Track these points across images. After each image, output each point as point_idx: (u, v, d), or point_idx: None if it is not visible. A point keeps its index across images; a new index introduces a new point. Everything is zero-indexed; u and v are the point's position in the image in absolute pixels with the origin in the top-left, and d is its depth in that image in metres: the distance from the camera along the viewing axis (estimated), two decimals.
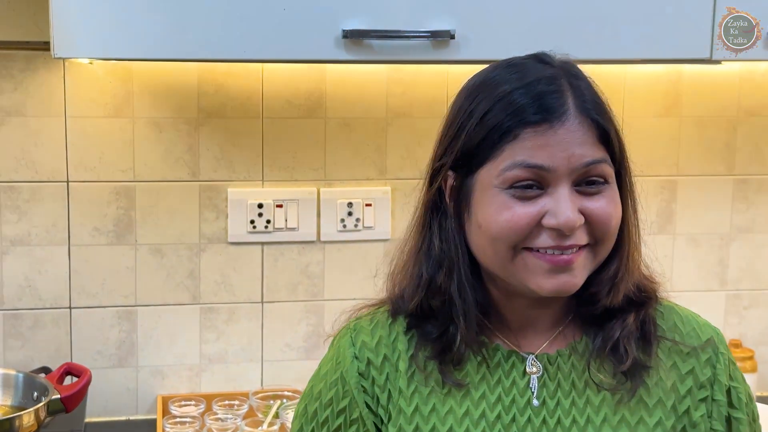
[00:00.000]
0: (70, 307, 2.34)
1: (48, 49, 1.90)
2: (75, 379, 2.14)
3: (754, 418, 1.44)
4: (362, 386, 1.39)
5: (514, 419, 1.35)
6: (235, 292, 2.40)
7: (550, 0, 2.01)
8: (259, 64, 2.32)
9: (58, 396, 2.04)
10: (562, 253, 1.29)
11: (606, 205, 1.31)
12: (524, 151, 1.28)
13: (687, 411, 1.37)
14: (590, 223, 1.30)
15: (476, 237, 1.33)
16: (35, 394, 2.09)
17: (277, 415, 2.26)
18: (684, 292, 2.54)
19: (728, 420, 1.40)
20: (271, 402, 2.32)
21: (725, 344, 1.43)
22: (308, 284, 2.43)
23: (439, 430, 1.35)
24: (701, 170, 2.55)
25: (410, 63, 2.28)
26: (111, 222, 2.33)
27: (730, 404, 1.40)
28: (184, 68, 2.30)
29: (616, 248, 1.36)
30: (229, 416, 2.29)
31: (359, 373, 1.39)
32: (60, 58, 1.90)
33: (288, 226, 2.39)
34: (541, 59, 1.35)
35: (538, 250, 1.30)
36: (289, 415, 2.23)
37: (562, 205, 1.28)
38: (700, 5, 2.05)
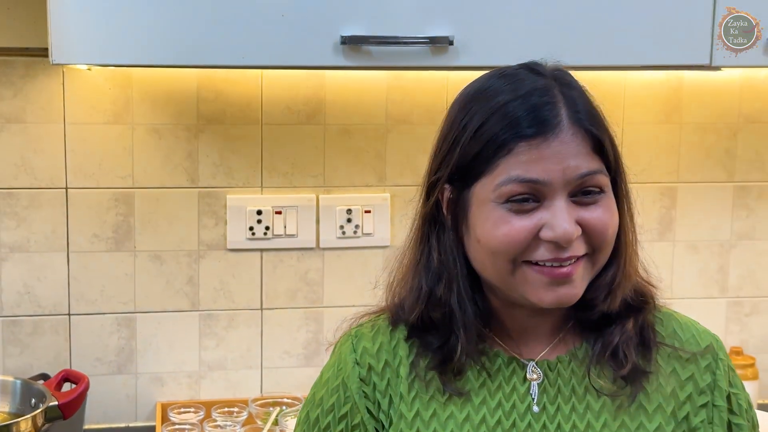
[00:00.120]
0: (69, 314, 2.34)
1: (47, 56, 1.90)
2: (73, 385, 2.13)
3: (753, 425, 1.44)
4: (363, 392, 1.39)
5: (514, 424, 1.36)
6: (234, 299, 2.40)
7: (548, 6, 2.00)
8: (259, 71, 2.32)
9: (56, 402, 2.04)
10: (561, 266, 1.30)
11: (602, 214, 1.31)
12: (519, 165, 1.28)
13: (686, 417, 1.38)
14: (587, 233, 1.31)
15: (475, 251, 1.34)
16: (33, 400, 2.09)
17: (276, 422, 2.25)
18: (684, 299, 2.53)
19: (729, 426, 1.40)
20: (271, 409, 2.31)
21: (724, 351, 1.43)
22: (307, 291, 2.42)
23: None
24: (701, 177, 2.54)
25: (409, 69, 2.28)
26: (110, 228, 2.32)
27: (731, 410, 1.40)
28: (184, 75, 2.30)
29: (613, 254, 1.36)
30: (229, 423, 2.29)
31: (360, 379, 1.40)
32: (58, 64, 1.90)
33: (287, 233, 2.39)
34: (533, 69, 1.35)
35: (537, 264, 1.30)
36: (289, 422, 2.23)
37: (559, 218, 1.28)
38: (699, 7, 2.05)
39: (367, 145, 2.40)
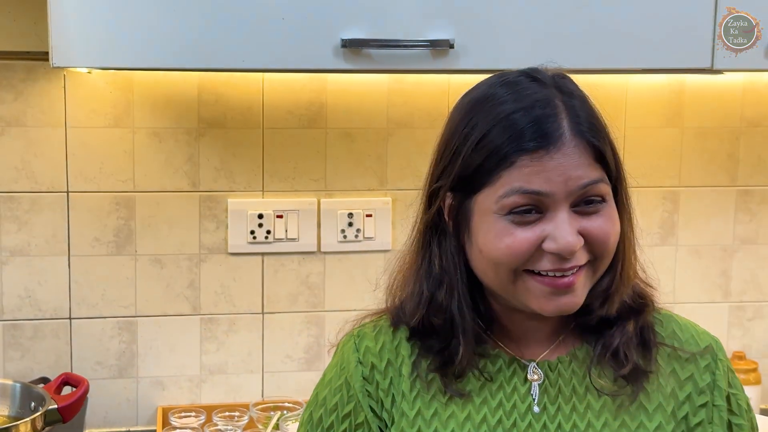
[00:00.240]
0: (70, 318, 2.34)
1: (48, 60, 1.89)
2: (73, 389, 2.13)
3: (753, 427, 1.44)
4: (367, 390, 1.40)
5: (515, 424, 1.36)
6: (235, 303, 2.40)
7: (548, 10, 2.00)
8: (260, 75, 2.32)
9: (56, 406, 2.04)
10: (563, 275, 1.30)
11: (604, 223, 1.31)
12: (521, 177, 1.28)
13: (686, 417, 1.38)
14: (589, 242, 1.31)
15: (477, 260, 1.35)
16: (32, 404, 2.09)
17: (277, 427, 2.25)
18: (687, 304, 2.53)
19: (729, 426, 1.40)
20: (272, 413, 2.31)
21: (724, 352, 1.44)
22: (309, 295, 2.42)
23: None
24: (704, 181, 2.54)
25: (409, 72, 2.28)
26: (111, 232, 2.32)
27: (731, 411, 1.41)
28: (185, 78, 2.30)
29: (611, 260, 1.36)
30: (230, 427, 2.28)
31: (363, 378, 1.41)
32: (58, 67, 1.90)
33: (288, 237, 2.39)
34: (534, 77, 1.35)
35: (539, 273, 1.31)
36: (290, 427, 2.22)
37: (562, 230, 1.28)
38: (700, 9, 2.04)
39: (368, 148, 2.39)
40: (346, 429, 1.40)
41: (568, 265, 1.30)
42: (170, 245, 2.35)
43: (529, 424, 1.36)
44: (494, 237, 1.30)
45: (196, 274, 2.37)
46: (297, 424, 2.20)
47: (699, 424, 1.38)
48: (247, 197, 2.36)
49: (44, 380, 2.20)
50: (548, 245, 1.29)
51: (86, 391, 2.10)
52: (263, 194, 2.37)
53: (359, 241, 2.41)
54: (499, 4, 1.98)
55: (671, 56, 2.06)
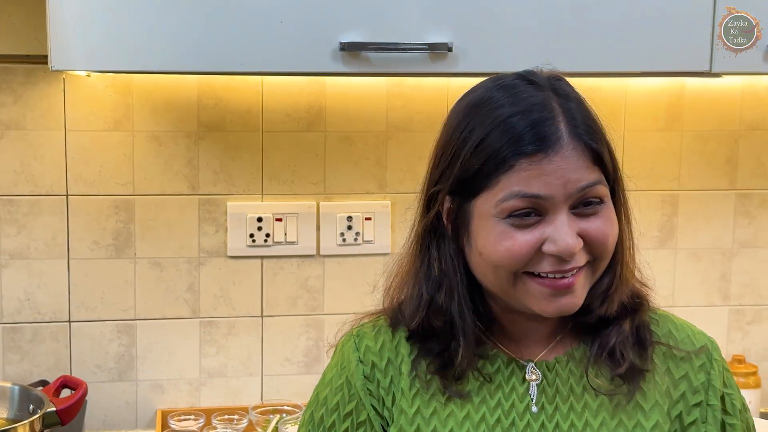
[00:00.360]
0: (69, 321, 2.34)
1: (47, 63, 1.90)
2: (72, 391, 2.13)
3: (748, 427, 1.44)
4: (368, 389, 1.41)
5: (513, 423, 1.37)
6: (234, 306, 2.40)
7: (546, 13, 2.00)
8: (259, 78, 2.32)
9: (54, 408, 2.04)
10: (563, 277, 1.31)
11: (602, 224, 1.32)
12: (520, 181, 1.29)
13: (679, 415, 1.39)
14: (588, 243, 1.32)
15: (476, 262, 1.35)
16: (31, 406, 2.09)
17: (276, 430, 2.25)
18: (686, 307, 2.53)
19: (723, 426, 1.40)
20: (271, 416, 2.31)
21: (719, 352, 1.44)
22: (308, 298, 2.42)
23: None
24: (703, 184, 2.54)
25: (407, 75, 2.28)
26: (110, 235, 2.33)
27: (725, 410, 1.41)
28: (184, 82, 2.30)
29: (610, 261, 1.37)
30: (229, 430, 2.28)
31: (365, 377, 1.41)
32: (57, 70, 1.90)
33: (287, 240, 2.39)
34: (530, 80, 1.35)
35: (539, 275, 1.32)
36: (289, 430, 2.22)
37: (561, 232, 1.29)
38: (699, 10, 2.05)
39: (367, 152, 2.40)
40: (348, 428, 1.41)
41: (568, 267, 1.30)
42: (169, 248, 2.35)
43: (528, 424, 1.37)
44: (494, 240, 1.31)
45: (196, 278, 2.37)
46: (296, 427, 2.20)
47: (693, 422, 1.39)
48: (246, 200, 2.37)
49: (43, 383, 2.21)
50: (548, 247, 1.29)
51: (85, 394, 2.10)
52: (262, 197, 2.37)
53: (358, 244, 2.42)
54: (496, 7, 1.99)
55: (669, 59, 2.06)
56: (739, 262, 2.59)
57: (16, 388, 2.16)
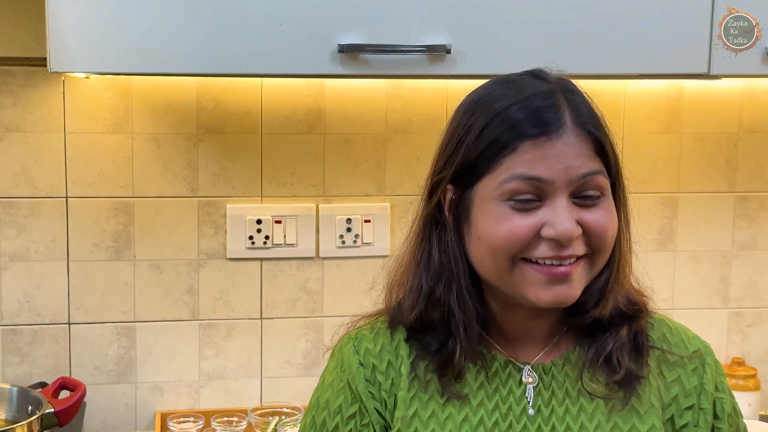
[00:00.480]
0: (68, 323, 2.34)
1: (47, 66, 1.90)
2: (70, 393, 2.13)
3: (738, 431, 1.44)
4: (370, 392, 1.41)
5: (510, 426, 1.38)
6: (234, 308, 2.40)
7: (544, 15, 2.01)
8: (258, 80, 2.32)
9: (52, 410, 2.04)
10: (560, 264, 1.31)
11: (602, 216, 1.33)
12: (523, 163, 1.30)
13: (671, 419, 1.39)
14: (587, 234, 1.32)
15: (475, 249, 1.35)
16: (29, 407, 2.09)
17: None
18: (685, 310, 2.52)
19: (712, 430, 1.41)
20: (270, 419, 2.31)
21: (713, 356, 1.45)
22: (307, 300, 2.42)
23: None
24: (702, 187, 2.54)
25: (406, 77, 2.28)
26: (110, 238, 2.33)
27: (714, 414, 1.41)
28: (183, 84, 2.30)
29: (607, 260, 1.37)
30: None
31: (366, 379, 1.42)
32: (56, 72, 1.90)
33: (287, 242, 2.39)
34: (537, 75, 1.38)
35: (536, 262, 1.32)
36: None
37: (561, 216, 1.30)
38: (696, 13, 2.05)
39: (366, 154, 2.40)
40: (351, 430, 1.41)
41: (566, 253, 1.31)
42: (169, 251, 2.35)
43: (524, 427, 1.37)
44: (494, 222, 1.31)
45: (195, 280, 2.37)
46: (295, 429, 2.21)
47: (685, 426, 1.39)
48: (245, 203, 2.37)
49: (42, 385, 2.20)
50: (546, 231, 1.30)
51: (83, 395, 2.10)
52: (262, 200, 2.37)
53: (357, 246, 2.42)
54: (495, 9, 1.99)
55: (667, 61, 2.06)
56: (738, 264, 2.58)
57: (15, 389, 2.15)
